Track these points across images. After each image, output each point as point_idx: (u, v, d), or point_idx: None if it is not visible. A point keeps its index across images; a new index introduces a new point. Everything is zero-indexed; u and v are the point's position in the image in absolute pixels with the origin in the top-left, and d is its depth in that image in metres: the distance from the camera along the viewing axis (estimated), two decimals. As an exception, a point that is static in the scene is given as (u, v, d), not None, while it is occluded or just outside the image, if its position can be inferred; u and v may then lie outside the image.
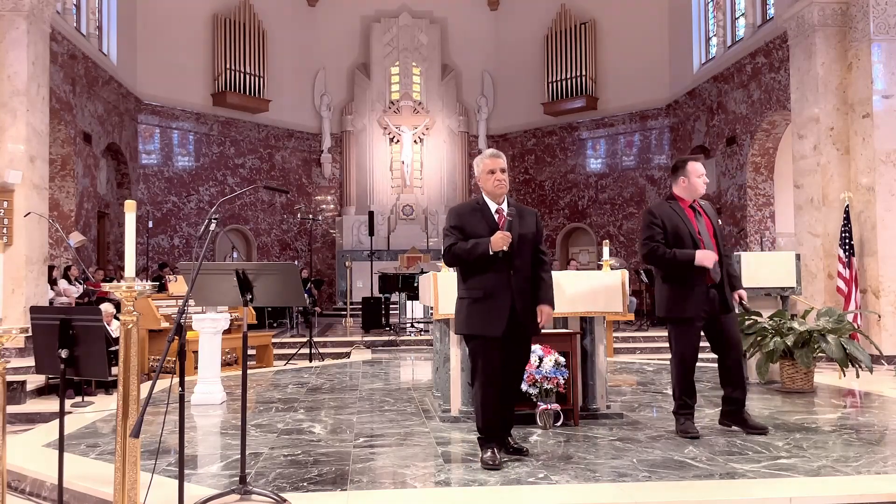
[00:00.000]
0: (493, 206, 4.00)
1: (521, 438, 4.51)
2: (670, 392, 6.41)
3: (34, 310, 3.44)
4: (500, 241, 3.77)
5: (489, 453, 3.88)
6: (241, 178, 17.72)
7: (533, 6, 18.94)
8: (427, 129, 19.42)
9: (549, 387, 4.76)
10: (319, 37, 19.27)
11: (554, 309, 4.03)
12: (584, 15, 18.20)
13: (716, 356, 4.68)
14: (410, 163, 19.28)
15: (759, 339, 6.33)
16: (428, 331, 12.29)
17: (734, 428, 4.64)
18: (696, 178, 4.52)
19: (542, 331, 4.66)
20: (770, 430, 4.62)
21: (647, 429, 4.80)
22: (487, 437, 3.95)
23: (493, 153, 4.05)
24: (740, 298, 4.60)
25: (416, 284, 11.88)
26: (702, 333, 4.56)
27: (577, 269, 14.23)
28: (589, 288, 5.00)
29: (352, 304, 13.63)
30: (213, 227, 3.35)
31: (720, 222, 4.64)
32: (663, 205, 4.61)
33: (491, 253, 3.78)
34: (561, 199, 18.73)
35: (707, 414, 5.24)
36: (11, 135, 9.38)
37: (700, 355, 4.68)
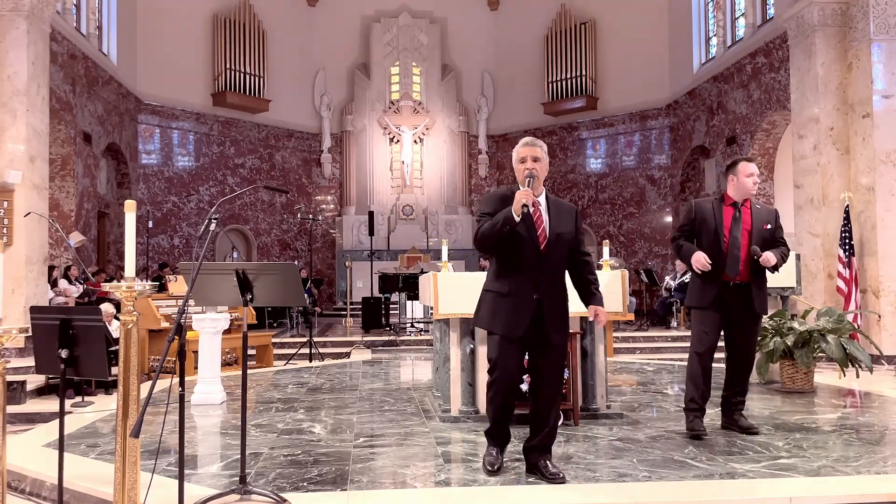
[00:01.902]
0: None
1: (521, 438, 4.50)
2: (670, 392, 6.43)
3: (34, 310, 3.44)
4: (521, 195, 3.42)
5: (492, 455, 3.77)
6: (241, 178, 17.72)
7: (533, 6, 18.94)
8: (427, 129, 19.41)
9: (549, 387, 4.75)
10: (319, 37, 19.27)
11: (604, 307, 3.79)
12: (584, 15, 18.19)
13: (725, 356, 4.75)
14: (410, 163, 19.27)
15: (759, 339, 6.33)
16: (428, 331, 12.29)
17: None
18: (745, 178, 4.55)
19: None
20: (767, 429, 4.64)
21: (647, 429, 4.81)
22: (493, 434, 3.81)
23: (526, 141, 3.71)
24: (761, 255, 4.40)
25: (416, 284, 11.89)
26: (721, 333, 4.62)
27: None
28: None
29: (352, 304, 13.62)
30: (213, 227, 3.35)
31: (768, 227, 4.59)
32: (706, 201, 4.71)
33: (516, 217, 3.43)
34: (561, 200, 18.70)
35: (707, 414, 5.22)
36: (11, 135, 9.38)
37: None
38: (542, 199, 3.68)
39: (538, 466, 3.69)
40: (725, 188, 4.71)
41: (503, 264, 3.65)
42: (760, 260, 4.41)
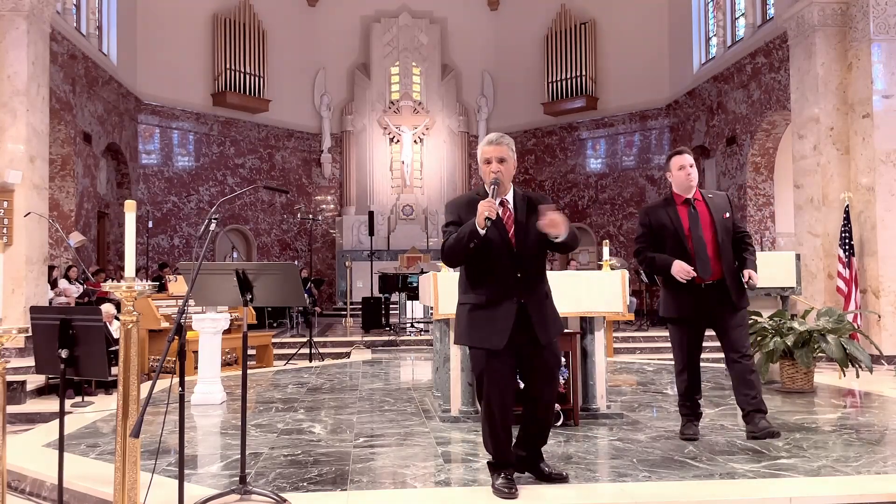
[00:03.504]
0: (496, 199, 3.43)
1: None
2: (670, 392, 6.43)
3: (34, 310, 3.44)
4: (483, 208, 3.16)
5: (501, 479, 3.38)
6: (241, 178, 17.72)
7: (533, 6, 18.95)
8: (427, 129, 19.42)
9: (549, 387, 4.75)
10: (319, 37, 19.27)
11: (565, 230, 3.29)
12: (584, 15, 18.20)
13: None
14: (410, 163, 19.28)
15: (759, 339, 6.33)
16: (428, 331, 12.29)
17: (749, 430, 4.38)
18: (678, 171, 4.35)
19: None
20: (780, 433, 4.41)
21: (647, 429, 4.80)
22: (499, 462, 3.43)
23: (490, 139, 3.48)
24: (749, 277, 4.25)
25: (416, 284, 11.89)
26: (706, 333, 4.42)
27: (577, 269, 14.23)
28: (589, 288, 5.00)
29: (352, 304, 13.62)
30: (213, 227, 3.35)
31: (727, 215, 4.34)
32: (656, 204, 4.49)
33: (481, 230, 3.19)
34: (561, 199, 18.72)
35: (707, 414, 5.23)
36: (11, 135, 9.38)
37: (703, 355, 4.59)
38: (509, 198, 3.46)
39: (537, 468, 3.62)
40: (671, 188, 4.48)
41: (477, 273, 3.41)
42: (750, 283, 4.24)
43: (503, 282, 3.37)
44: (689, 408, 4.49)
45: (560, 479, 3.56)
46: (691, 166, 4.36)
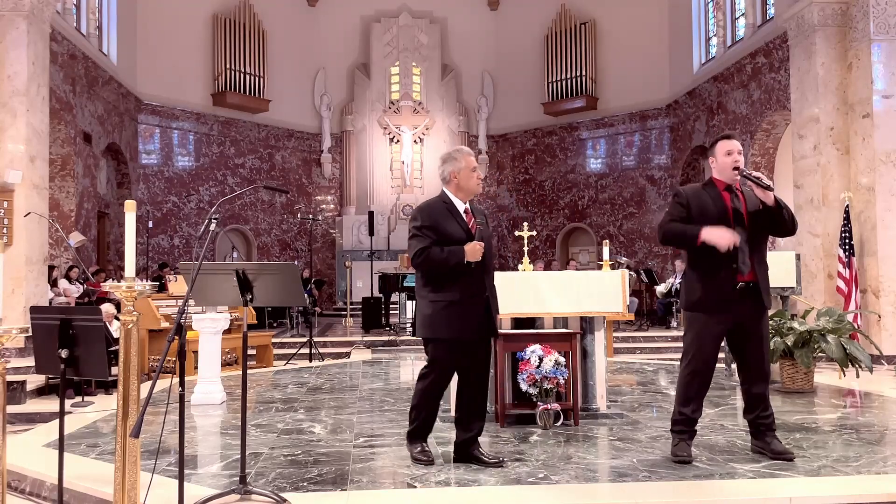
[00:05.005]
0: (460, 206, 3.92)
1: (521, 438, 4.51)
2: (670, 392, 6.43)
3: (34, 310, 3.44)
4: (476, 252, 3.77)
5: (419, 449, 3.97)
6: (241, 178, 17.72)
7: (533, 6, 18.94)
8: (427, 128, 19.41)
9: (548, 387, 4.76)
10: (319, 37, 19.27)
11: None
12: (584, 15, 18.19)
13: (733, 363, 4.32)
14: (410, 163, 19.27)
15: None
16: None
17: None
18: (725, 157, 3.92)
19: (543, 330, 4.67)
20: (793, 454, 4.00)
21: (647, 429, 4.81)
22: (421, 434, 4.00)
23: (470, 150, 4.05)
24: (743, 172, 3.85)
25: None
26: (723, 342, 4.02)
27: (577, 269, 14.22)
28: (589, 288, 5.00)
29: (352, 304, 13.61)
30: (213, 227, 3.35)
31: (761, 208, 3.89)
32: (695, 188, 4.06)
33: (465, 263, 3.77)
34: (561, 199, 18.72)
35: (707, 414, 5.23)
36: (11, 135, 9.37)
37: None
38: (467, 206, 3.97)
39: (474, 455, 3.91)
40: (711, 173, 4.07)
41: (449, 274, 3.82)
42: (750, 175, 3.77)
43: (475, 281, 3.83)
44: (687, 422, 3.98)
45: (497, 464, 3.84)
46: (739, 153, 3.94)
